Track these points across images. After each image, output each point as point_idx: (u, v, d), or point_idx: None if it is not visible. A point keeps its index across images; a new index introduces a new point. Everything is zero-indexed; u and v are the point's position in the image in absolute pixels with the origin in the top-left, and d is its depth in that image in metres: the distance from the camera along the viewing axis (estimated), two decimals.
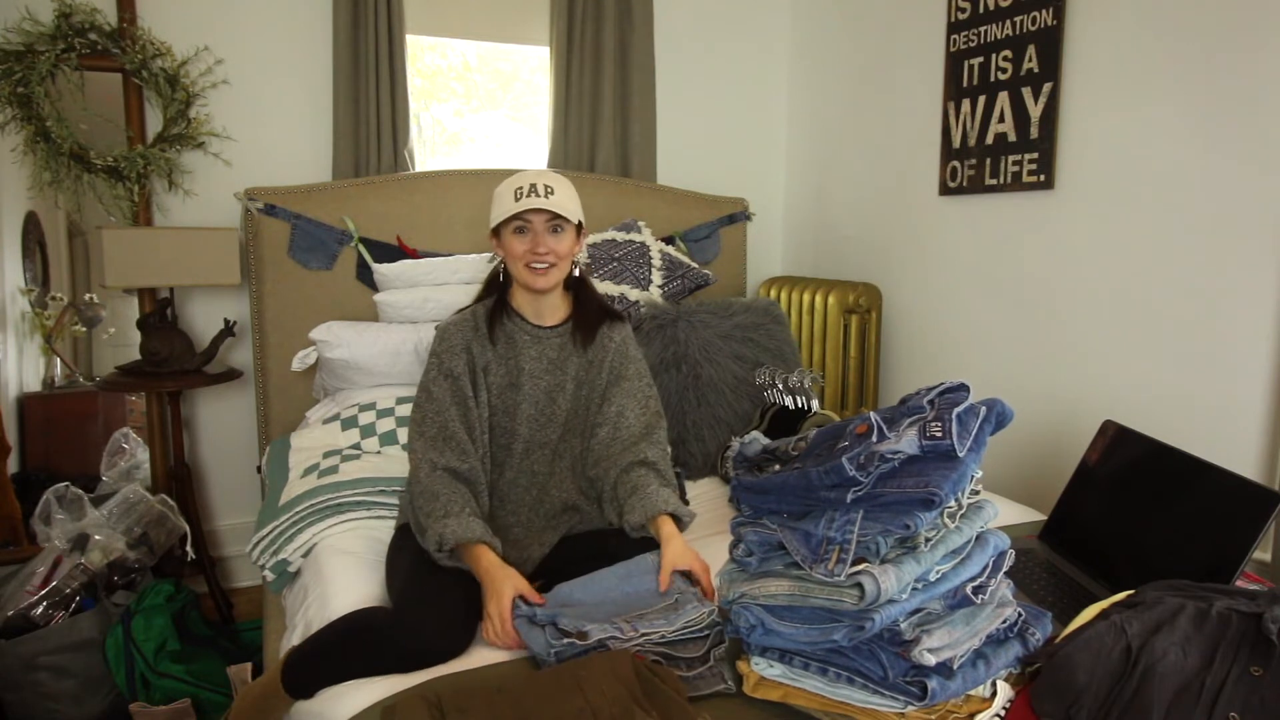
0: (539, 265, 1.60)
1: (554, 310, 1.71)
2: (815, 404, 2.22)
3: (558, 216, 1.59)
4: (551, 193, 1.58)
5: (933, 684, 1.07)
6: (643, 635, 1.26)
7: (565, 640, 1.23)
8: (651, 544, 1.51)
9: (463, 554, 1.46)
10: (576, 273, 1.74)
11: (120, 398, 2.71)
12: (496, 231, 1.63)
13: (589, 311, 1.73)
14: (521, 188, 1.58)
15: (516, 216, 1.58)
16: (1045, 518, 1.81)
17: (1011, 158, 2.36)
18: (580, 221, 1.65)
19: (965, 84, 2.50)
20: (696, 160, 3.26)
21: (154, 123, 2.49)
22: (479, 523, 1.48)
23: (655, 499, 1.55)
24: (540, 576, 1.56)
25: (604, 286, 2.50)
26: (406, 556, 1.53)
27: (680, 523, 1.56)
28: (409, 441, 1.63)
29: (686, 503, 2.01)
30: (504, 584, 1.36)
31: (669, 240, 2.96)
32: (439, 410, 1.60)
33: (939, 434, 1.13)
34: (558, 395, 1.68)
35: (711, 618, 1.31)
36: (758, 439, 1.40)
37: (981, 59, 2.44)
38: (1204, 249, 1.91)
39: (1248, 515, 1.35)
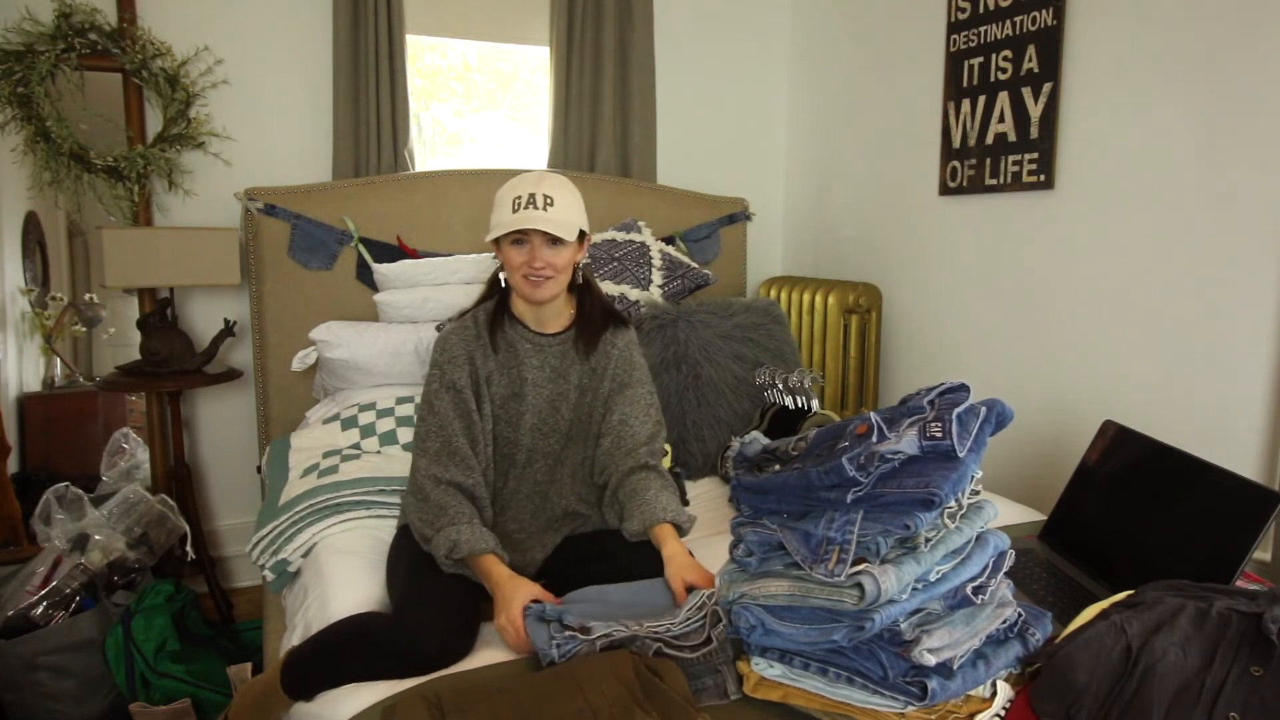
0: (536, 278, 1.56)
1: (556, 317, 1.68)
2: (815, 404, 2.22)
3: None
4: (551, 204, 1.52)
5: (933, 684, 1.07)
6: (648, 629, 1.25)
7: (567, 633, 1.23)
8: (650, 547, 1.50)
9: (472, 564, 1.45)
10: (579, 278, 1.69)
11: (120, 398, 2.71)
12: (496, 239, 1.60)
13: (592, 319, 1.69)
14: (520, 197, 1.53)
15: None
16: (1045, 518, 1.81)
17: (1011, 158, 2.36)
18: (583, 230, 1.60)
19: (965, 84, 2.50)
20: (696, 160, 3.26)
21: (154, 123, 2.49)
22: (490, 534, 1.48)
23: (654, 506, 1.53)
24: (542, 577, 1.55)
25: (604, 286, 2.49)
26: (407, 558, 1.53)
27: (680, 530, 1.54)
28: (412, 456, 1.60)
29: (686, 503, 2.02)
30: (514, 594, 1.35)
31: (669, 240, 2.96)
32: (442, 425, 1.57)
33: (939, 434, 1.13)
34: (561, 404, 1.66)
35: (703, 598, 1.30)
36: (758, 439, 1.40)
37: (981, 59, 2.44)
38: (1204, 249, 1.91)
39: (1248, 515, 1.35)
